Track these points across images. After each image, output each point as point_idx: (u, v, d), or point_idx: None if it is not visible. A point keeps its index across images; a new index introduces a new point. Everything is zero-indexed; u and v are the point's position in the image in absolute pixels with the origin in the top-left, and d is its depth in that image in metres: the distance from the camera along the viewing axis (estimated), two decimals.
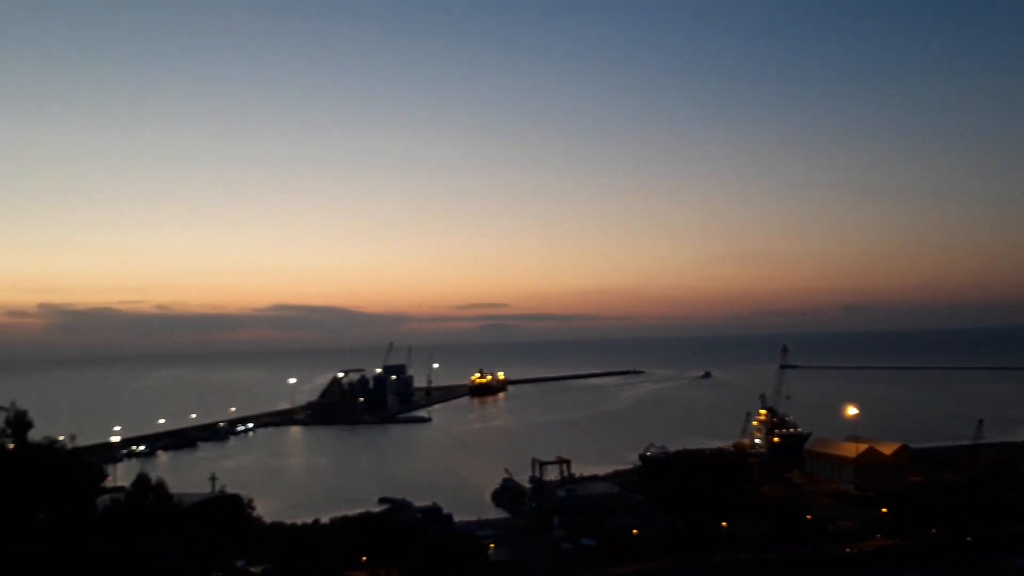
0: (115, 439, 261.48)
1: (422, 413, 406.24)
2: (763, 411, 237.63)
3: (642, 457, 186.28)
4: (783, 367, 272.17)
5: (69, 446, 68.99)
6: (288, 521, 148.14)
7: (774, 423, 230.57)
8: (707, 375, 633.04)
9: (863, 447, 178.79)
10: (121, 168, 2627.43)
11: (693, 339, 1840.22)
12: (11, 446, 49.69)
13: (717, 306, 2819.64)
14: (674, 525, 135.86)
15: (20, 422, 50.81)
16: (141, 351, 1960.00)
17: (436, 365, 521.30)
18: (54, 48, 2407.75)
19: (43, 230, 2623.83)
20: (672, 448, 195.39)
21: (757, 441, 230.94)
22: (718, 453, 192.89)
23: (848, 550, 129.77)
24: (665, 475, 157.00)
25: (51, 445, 59.52)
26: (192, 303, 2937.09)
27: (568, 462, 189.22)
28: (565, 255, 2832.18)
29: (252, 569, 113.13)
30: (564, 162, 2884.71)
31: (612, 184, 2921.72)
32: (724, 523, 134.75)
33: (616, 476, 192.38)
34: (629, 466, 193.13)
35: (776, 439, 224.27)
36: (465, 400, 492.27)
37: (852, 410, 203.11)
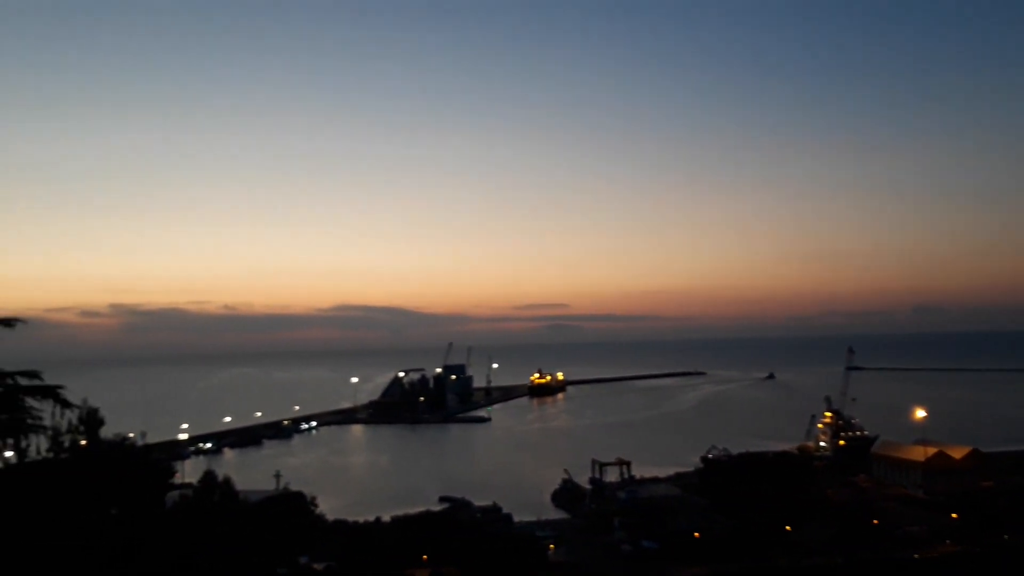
0: (183, 436, 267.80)
1: (481, 413, 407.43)
2: (828, 413, 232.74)
3: (704, 459, 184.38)
4: (849, 368, 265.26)
5: (139, 443, 70.81)
6: (350, 519, 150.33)
7: (840, 426, 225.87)
8: (771, 376, 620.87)
9: (932, 451, 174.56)
10: (190, 171, 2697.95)
11: (756, 340, 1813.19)
12: (84, 443, 51.16)
13: (781, 306, 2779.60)
14: (736, 528, 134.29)
15: (92, 419, 52.19)
16: (208, 350, 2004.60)
17: (496, 365, 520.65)
18: (118, 55, 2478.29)
19: (114, 232, 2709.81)
20: (735, 450, 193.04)
21: (822, 444, 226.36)
22: (782, 456, 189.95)
23: (917, 556, 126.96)
24: (727, 477, 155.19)
25: (122, 442, 61.08)
26: (257, 303, 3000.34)
27: (628, 464, 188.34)
28: (625, 255, 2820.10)
29: (315, 566, 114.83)
30: (625, 162, 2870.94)
31: (674, 183, 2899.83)
32: (788, 526, 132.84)
33: (677, 478, 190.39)
34: (690, 468, 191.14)
35: (842, 442, 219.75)
36: (524, 400, 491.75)
37: (921, 413, 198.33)
